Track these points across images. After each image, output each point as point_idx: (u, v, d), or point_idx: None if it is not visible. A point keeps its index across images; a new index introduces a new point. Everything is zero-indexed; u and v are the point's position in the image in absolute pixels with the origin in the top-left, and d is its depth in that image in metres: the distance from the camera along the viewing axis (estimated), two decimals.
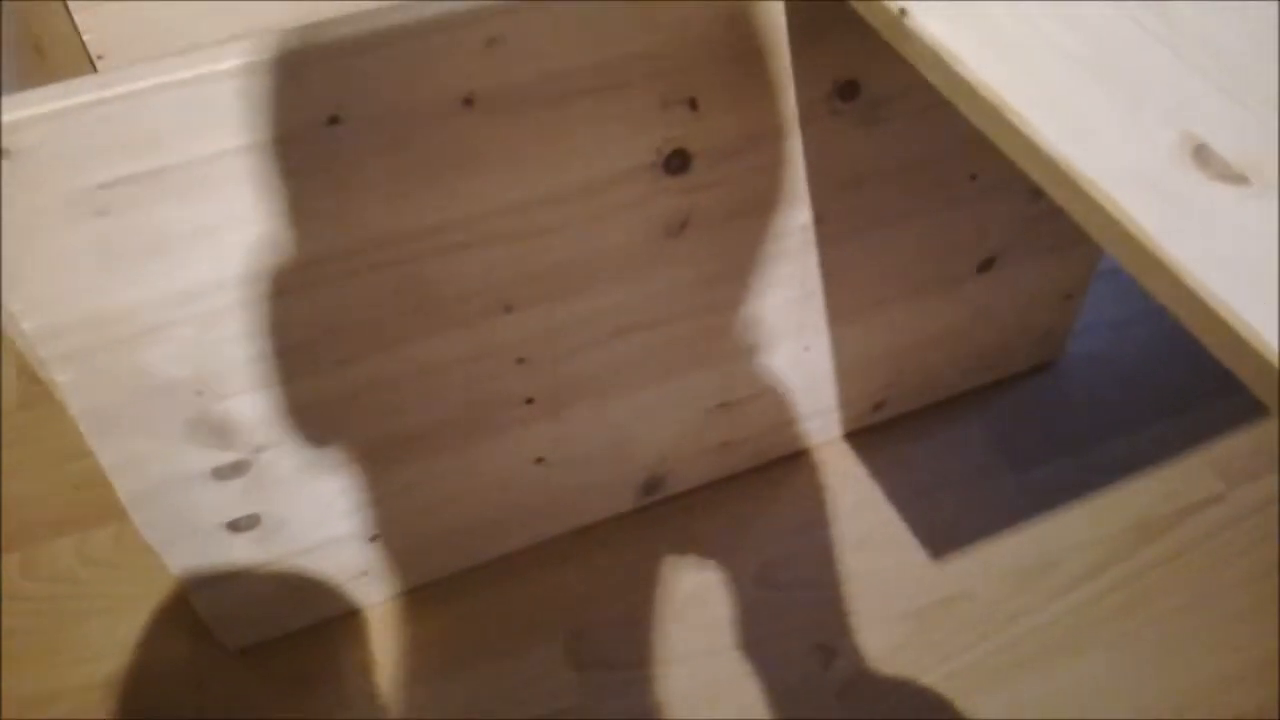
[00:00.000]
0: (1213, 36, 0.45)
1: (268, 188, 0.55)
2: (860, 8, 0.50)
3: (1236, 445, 0.96)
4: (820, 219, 0.74)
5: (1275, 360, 0.34)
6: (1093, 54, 0.44)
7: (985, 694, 0.81)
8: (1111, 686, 0.82)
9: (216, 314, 0.60)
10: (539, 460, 0.81)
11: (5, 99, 0.50)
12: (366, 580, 0.83)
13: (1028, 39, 0.45)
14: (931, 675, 0.82)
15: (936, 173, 0.75)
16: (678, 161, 0.65)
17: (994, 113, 0.43)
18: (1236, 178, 0.39)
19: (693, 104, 0.62)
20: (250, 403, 0.66)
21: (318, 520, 0.76)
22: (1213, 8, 0.46)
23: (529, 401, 0.75)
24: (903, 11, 0.47)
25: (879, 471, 0.94)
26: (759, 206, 0.71)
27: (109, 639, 0.85)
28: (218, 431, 0.66)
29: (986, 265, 0.85)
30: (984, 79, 0.43)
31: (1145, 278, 0.39)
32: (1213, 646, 0.84)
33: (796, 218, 0.73)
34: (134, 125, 0.51)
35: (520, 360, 0.72)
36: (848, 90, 0.66)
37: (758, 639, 0.85)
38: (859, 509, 0.92)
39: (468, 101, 0.55)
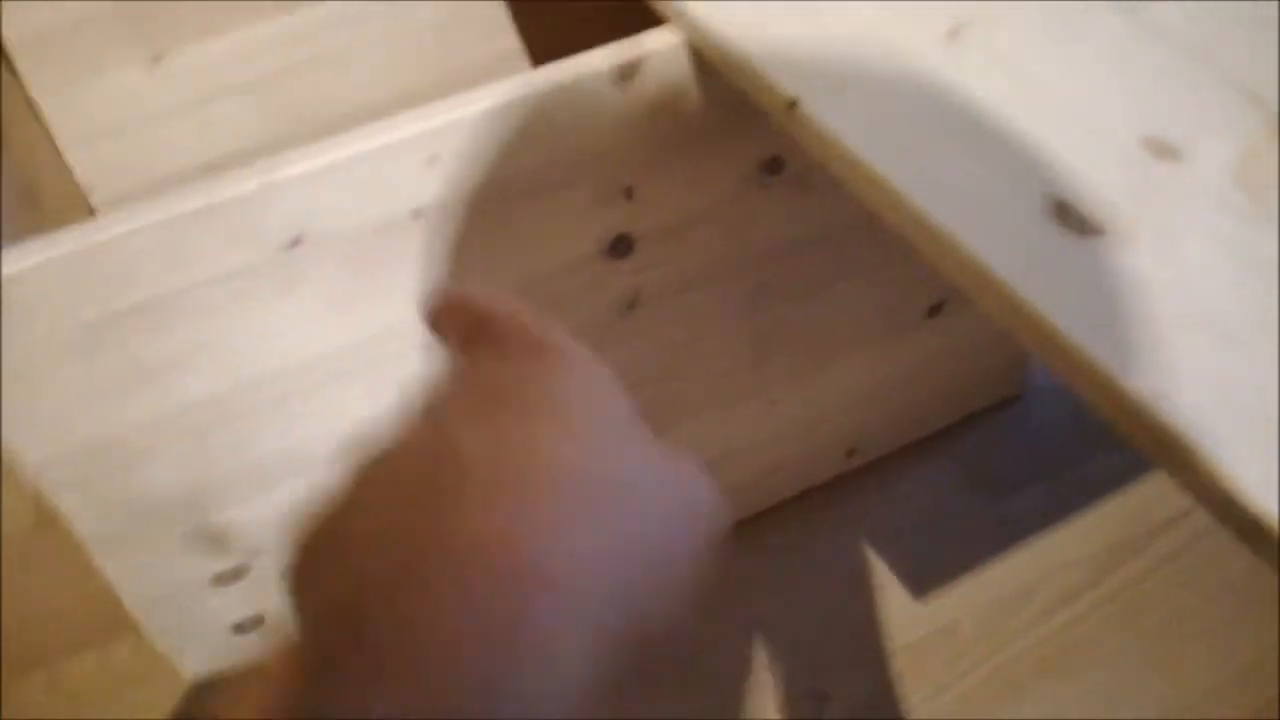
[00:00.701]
0: (1070, 98, 0.49)
1: (240, 310, 0.60)
2: (758, 99, 0.54)
3: None
4: (766, 284, 0.78)
5: (1132, 396, 0.38)
6: (965, 127, 0.49)
7: None
8: (1102, 705, 0.84)
9: (205, 429, 0.64)
10: None
11: (5, 251, 0.55)
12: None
13: (901, 120, 0.50)
14: (924, 710, 0.85)
15: (872, 229, 0.80)
16: (621, 246, 0.70)
17: (875, 187, 0.47)
18: (1095, 230, 0.44)
19: (629, 193, 0.67)
20: (245, 510, 0.70)
21: None
22: (1069, 69, 0.51)
23: None
24: (792, 104, 0.51)
25: (856, 517, 0.97)
26: (705, 278, 0.75)
27: None
28: (214, 540, 0.70)
29: (935, 310, 0.89)
30: (866, 161, 0.47)
31: (1007, 319, 0.43)
32: (1196, 657, 0.86)
33: (743, 284, 0.77)
34: (114, 266, 0.56)
35: None
36: (773, 165, 0.71)
37: (754, 691, 0.87)
38: (841, 554, 0.95)
39: (415, 215, 0.60)
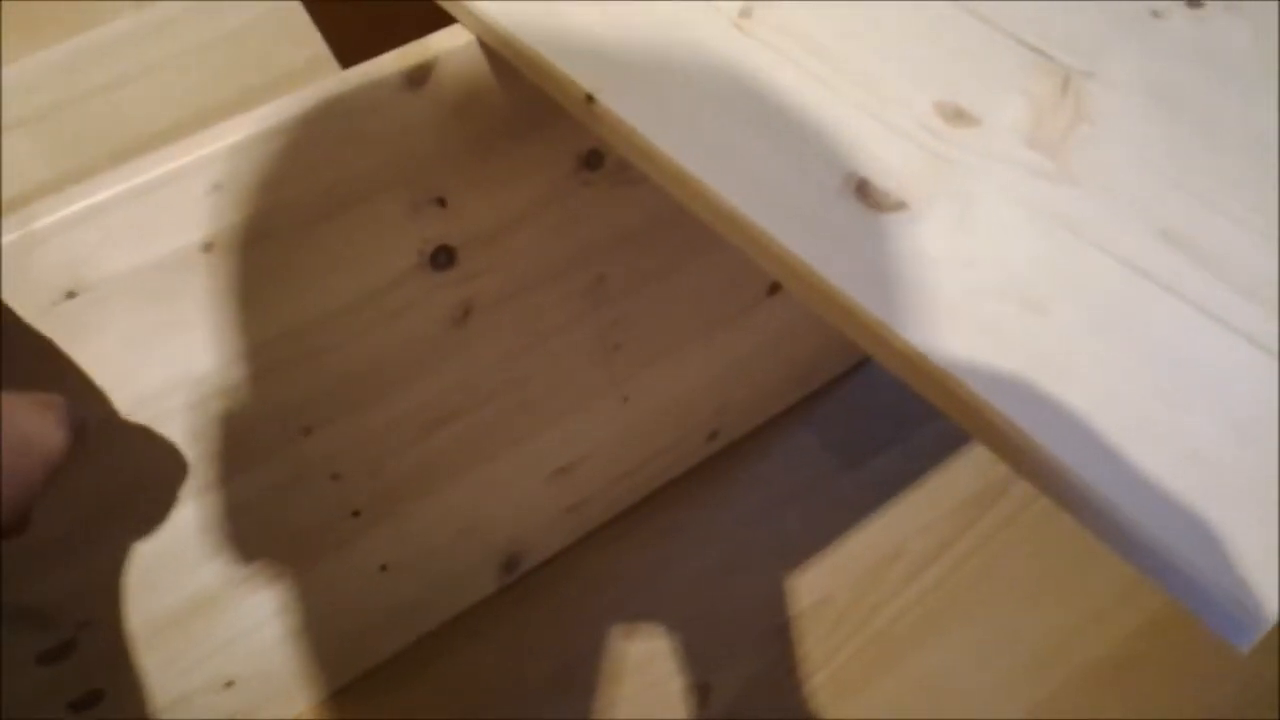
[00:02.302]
0: (864, 72, 0.49)
1: (24, 372, 0.55)
2: (557, 95, 0.52)
3: None
4: (602, 279, 0.76)
5: (923, 357, 0.37)
6: (764, 111, 0.47)
7: (866, 689, 0.84)
8: (975, 656, 0.86)
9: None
10: (383, 568, 0.81)
11: None
12: None
13: (700, 108, 0.48)
14: (807, 686, 0.85)
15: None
16: (443, 257, 0.67)
17: (678, 179, 0.45)
18: (896, 205, 0.43)
19: (441, 202, 0.64)
20: (62, 580, 0.64)
21: (164, 682, 0.74)
22: (860, 42, 0.50)
23: (355, 514, 0.76)
24: (590, 98, 0.49)
25: (726, 499, 0.97)
26: (537, 280, 0.73)
27: None
28: (32, 615, 0.64)
29: (775, 288, 0.89)
30: (665, 152, 0.46)
31: (817, 304, 0.42)
32: (1059, 597, 0.89)
33: (577, 282, 0.75)
34: None
35: (335, 476, 0.72)
36: (593, 159, 0.69)
37: (637, 692, 0.86)
38: (711, 540, 0.94)
39: (207, 248, 0.56)
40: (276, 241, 0.59)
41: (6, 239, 0.50)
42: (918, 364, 0.38)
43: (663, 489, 0.98)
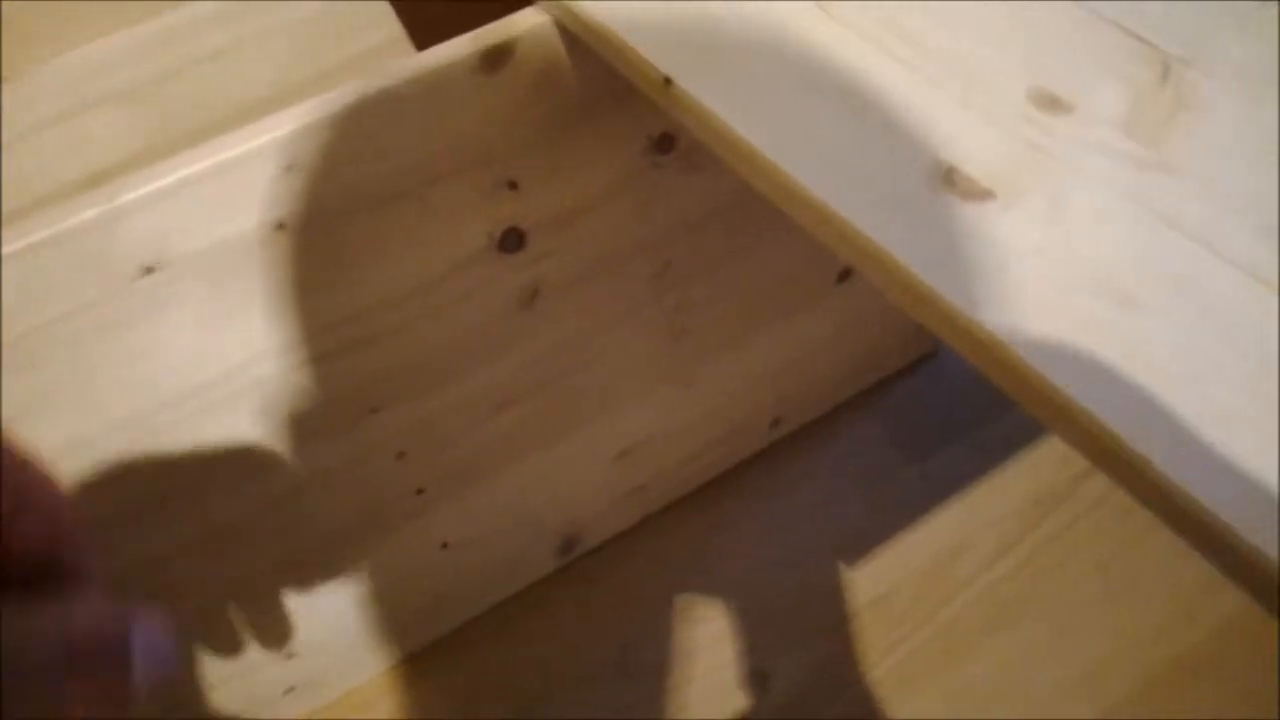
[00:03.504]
0: (954, 55, 0.47)
1: (99, 347, 0.56)
2: (634, 78, 0.51)
3: None
4: (669, 265, 0.76)
5: (1020, 360, 0.36)
6: (847, 96, 0.46)
7: (924, 686, 0.83)
8: (1041, 655, 0.84)
9: (72, 476, 0.60)
10: (444, 545, 0.81)
11: None
12: (295, 695, 0.83)
13: (780, 92, 0.47)
14: (868, 678, 0.84)
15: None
16: (513, 240, 0.66)
17: (756, 164, 0.44)
18: (985, 194, 0.41)
19: (513, 185, 0.63)
20: (120, 557, 0.65)
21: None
22: (950, 25, 0.49)
23: (420, 492, 0.76)
24: (668, 81, 0.48)
25: (786, 488, 0.96)
26: (605, 265, 0.72)
27: None
28: (105, 583, 0.66)
29: (845, 275, 0.87)
30: (744, 137, 0.45)
31: (898, 293, 0.40)
32: (1129, 598, 0.86)
33: (645, 267, 0.75)
34: None
35: (400, 455, 0.73)
36: (664, 143, 0.68)
37: (695, 677, 0.86)
38: (773, 529, 0.94)
39: (280, 227, 0.56)
40: (348, 222, 0.59)
41: (90, 214, 0.51)
42: (1001, 357, 0.37)
43: (724, 475, 0.97)
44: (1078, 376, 0.35)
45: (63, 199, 0.52)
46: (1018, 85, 0.45)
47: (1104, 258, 0.39)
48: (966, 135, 0.43)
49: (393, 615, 0.84)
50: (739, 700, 0.84)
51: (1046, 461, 0.95)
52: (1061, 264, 0.39)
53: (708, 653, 0.87)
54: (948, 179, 0.42)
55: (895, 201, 0.41)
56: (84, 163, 1.00)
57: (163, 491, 0.63)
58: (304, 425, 0.66)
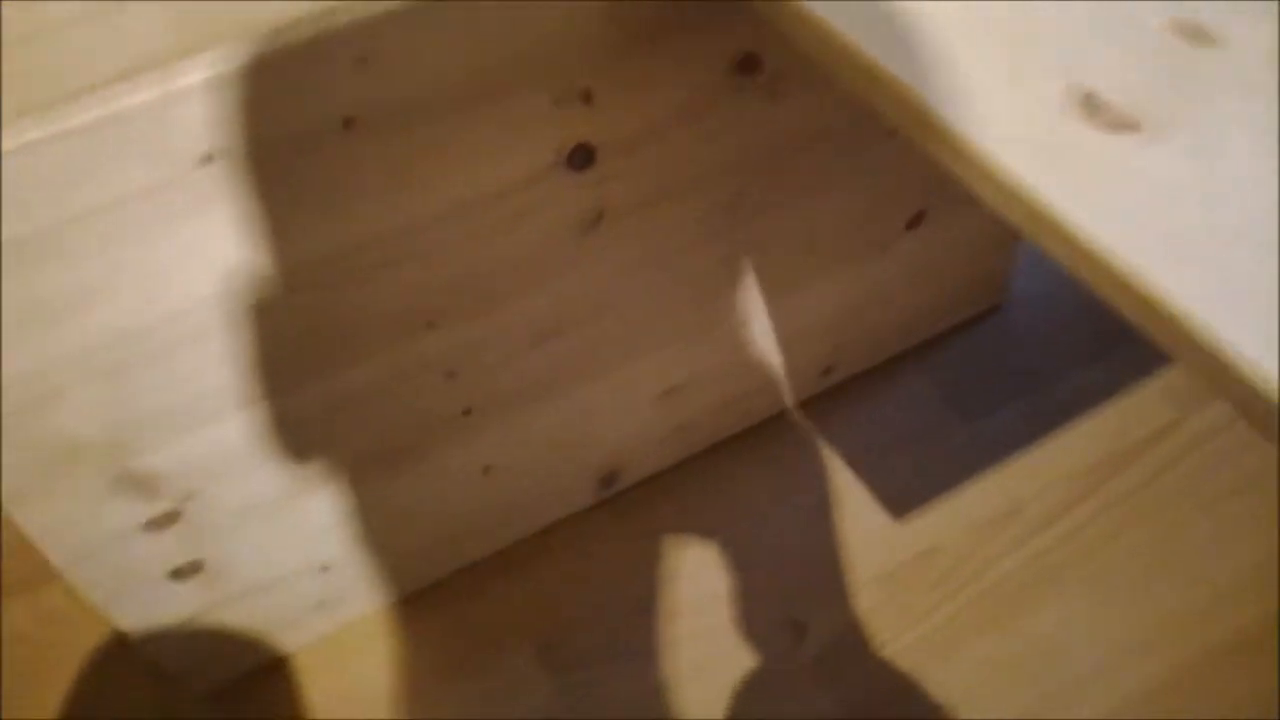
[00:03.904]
0: None
1: (146, 239, 0.53)
2: None
3: (1186, 373, 0.95)
4: (739, 196, 0.72)
5: (1172, 308, 0.33)
6: (973, 13, 0.43)
7: (957, 651, 0.81)
8: (1086, 626, 0.82)
9: (120, 368, 0.58)
10: (486, 469, 0.79)
11: None
12: (325, 610, 0.82)
13: (906, 9, 0.43)
14: (906, 637, 0.82)
15: (853, 135, 0.74)
16: (581, 157, 0.63)
17: (878, 83, 0.41)
18: (1128, 125, 0.38)
19: (587, 97, 0.60)
20: (173, 451, 0.64)
21: (264, 558, 0.74)
22: None
23: (467, 413, 0.74)
24: None
25: (834, 437, 0.93)
26: (673, 191, 0.69)
27: (73, 694, 0.84)
28: (142, 484, 0.64)
29: (916, 220, 0.84)
30: (865, 53, 0.41)
31: (1043, 240, 0.37)
32: (1181, 575, 0.84)
33: (714, 197, 0.71)
34: (8, 187, 0.49)
35: (450, 374, 0.70)
36: (748, 65, 0.64)
37: (729, 621, 0.84)
38: (818, 477, 0.91)
39: (348, 124, 0.53)
40: (416, 125, 0.56)
41: (143, 96, 0.48)
42: (1148, 302, 0.33)
43: (771, 420, 0.95)
44: (1214, 316, 0.32)
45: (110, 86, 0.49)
46: (1163, 14, 0.41)
47: (1250, 196, 0.35)
48: (1109, 63, 0.40)
49: (429, 537, 0.82)
50: (773, 648, 0.82)
51: (1106, 429, 0.92)
52: (1207, 202, 0.35)
53: (743, 599, 0.85)
54: (1086, 106, 0.39)
55: (1031, 129, 0.38)
56: (121, 57, 0.97)
57: (216, 387, 0.62)
58: (359, 334, 0.64)
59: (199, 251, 0.55)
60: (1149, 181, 0.36)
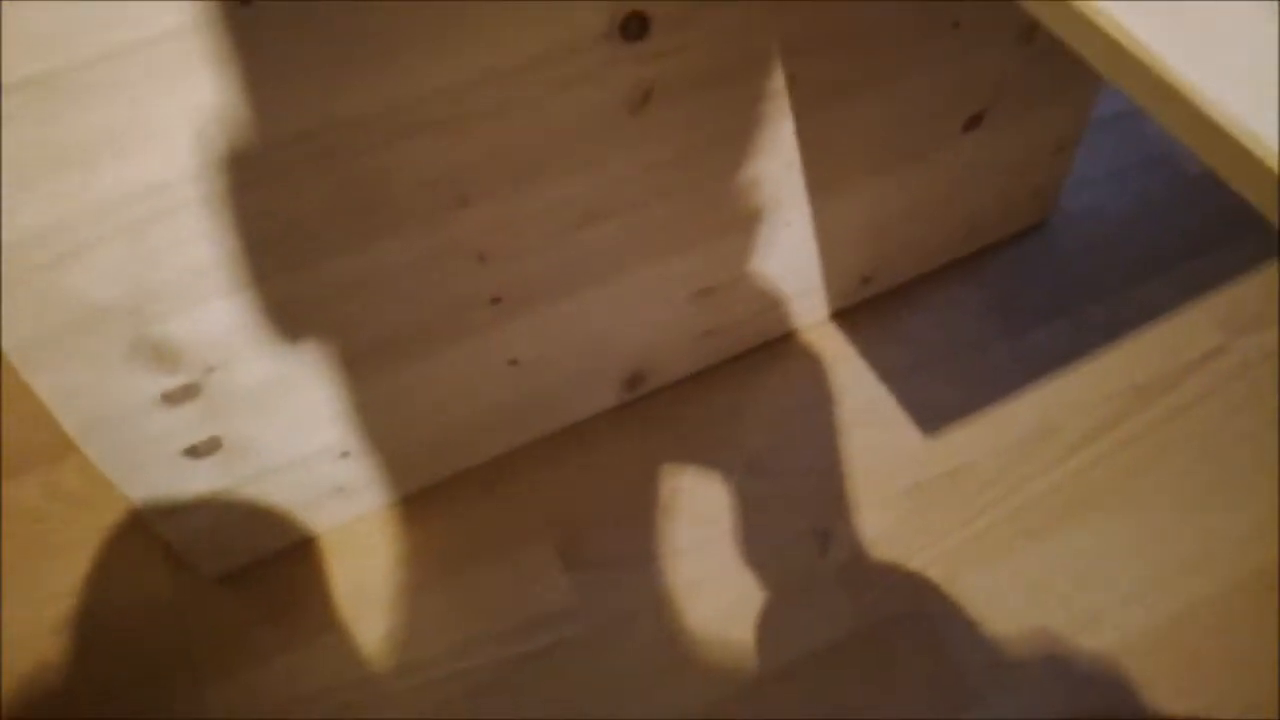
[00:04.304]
0: None
1: (173, 87, 0.50)
2: None
3: (1237, 296, 0.92)
4: (795, 82, 0.68)
5: None
6: None
7: (986, 567, 0.80)
8: (1117, 551, 0.80)
9: (144, 225, 0.55)
10: (513, 362, 0.77)
11: None
12: (343, 497, 0.80)
13: None
14: (931, 551, 0.80)
15: (916, 24, 0.70)
16: (635, 26, 0.59)
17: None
18: None
19: None
20: (193, 320, 0.61)
21: (283, 439, 0.72)
22: None
23: (496, 301, 0.71)
24: None
25: (869, 349, 0.91)
26: (728, 72, 0.65)
27: (85, 574, 0.83)
28: (161, 354, 0.62)
29: (974, 121, 0.80)
30: None
31: (1156, 107, 0.34)
32: (1218, 504, 0.82)
33: (769, 82, 0.67)
34: (24, 25, 0.45)
35: (482, 257, 0.67)
36: None
37: (752, 528, 0.82)
38: (850, 389, 0.89)
39: None
40: None
41: None
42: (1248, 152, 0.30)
43: (804, 329, 0.92)
44: None
45: None
46: None
47: None
48: None
49: (452, 428, 0.80)
50: (796, 557, 0.80)
51: (1150, 351, 0.89)
52: None
53: (767, 506, 0.83)
54: None
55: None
56: None
57: (239, 255, 0.59)
58: (392, 205, 0.61)
59: (229, 104, 0.51)
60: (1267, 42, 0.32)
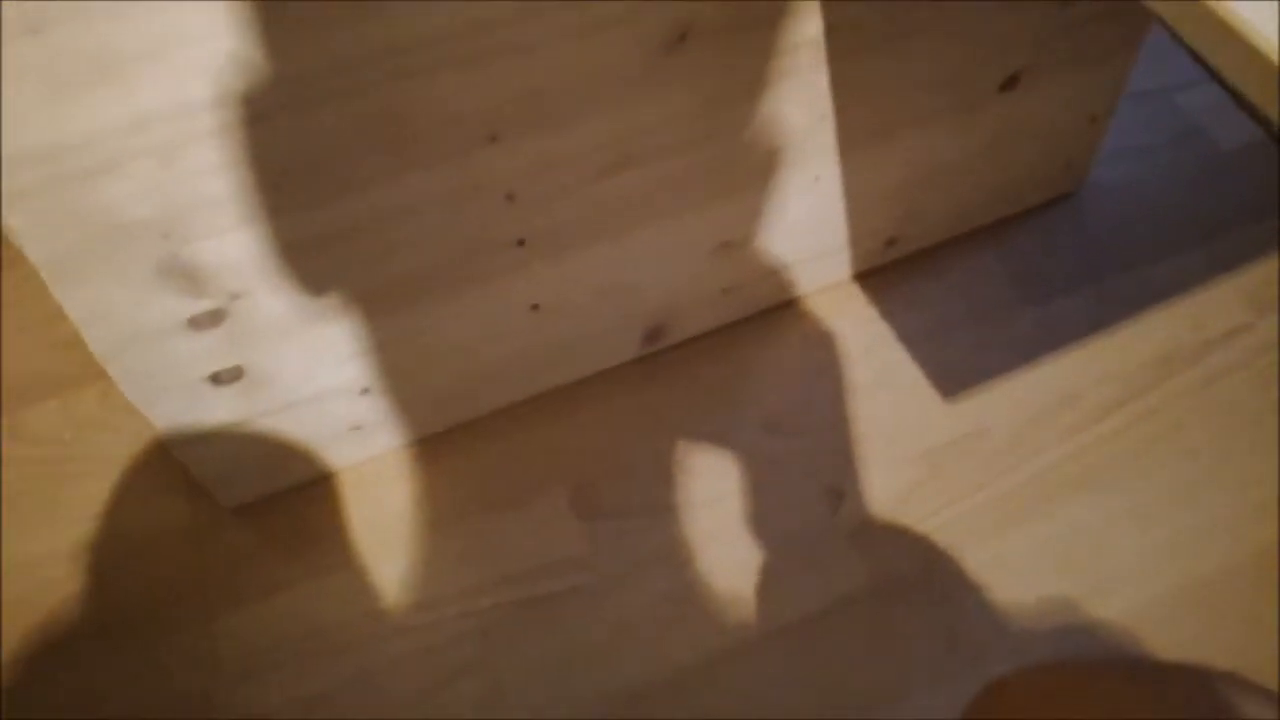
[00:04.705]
0: None
1: (216, 5, 0.50)
2: None
3: (1266, 273, 0.92)
4: (832, 30, 0.68)
5: None
6: None
7: (998, 533, 0.80)
8: (1131, 521, 0.80)
9: (177, 145, 0.55)
10: (535, 307, 0.77)
11: None
12: (361, 435, 0.81)
13: None
14: (944, 515, 0.80)
15: None
16: None
17: None
18: None
19: None
20: (222, 245, 0.61)
21: (305, 372, 0.72)
22: None
23: (520, 243, 0.71)
24: None
25: (890, 311, 0.90)
26: (765, 16, 0.65)
27: (102, 500, 0.83)
28: (189, 277, 0.62)
29: (1010, 83, 0.79)
30: None
31: (1213, 49, 0.34)
32: (1237, 481, 0.82)
33: (806, 29, 0.67)
34: None
35: (509, 197, 0.67)
36: None
37: (764, 485, 0.82)
38: (869, 351, 0.89)
39: None
40: None
41: None
42: None
43: (825, 289, 0.92)
44: None
45: None
46: None
47: None
48: None
49: (471, 372, 0.81)
50: (808, 514, 0.81)
51: (1174, 326, 0.88)
52: None
53: (781, 464, 0.83)
54: None
55: None
56: None
57: (270, 181, 0.59)
58: (423, 139, 0.61)
59: (263, 29, 0.51)
60: None
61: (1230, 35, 0.32)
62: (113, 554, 0.81)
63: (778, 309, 0.91)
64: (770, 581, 0.78)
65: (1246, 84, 0.32)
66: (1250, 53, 0.31)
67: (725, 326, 0.91)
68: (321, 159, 0.59)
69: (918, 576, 0.78)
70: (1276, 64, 0.29)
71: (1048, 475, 0.82)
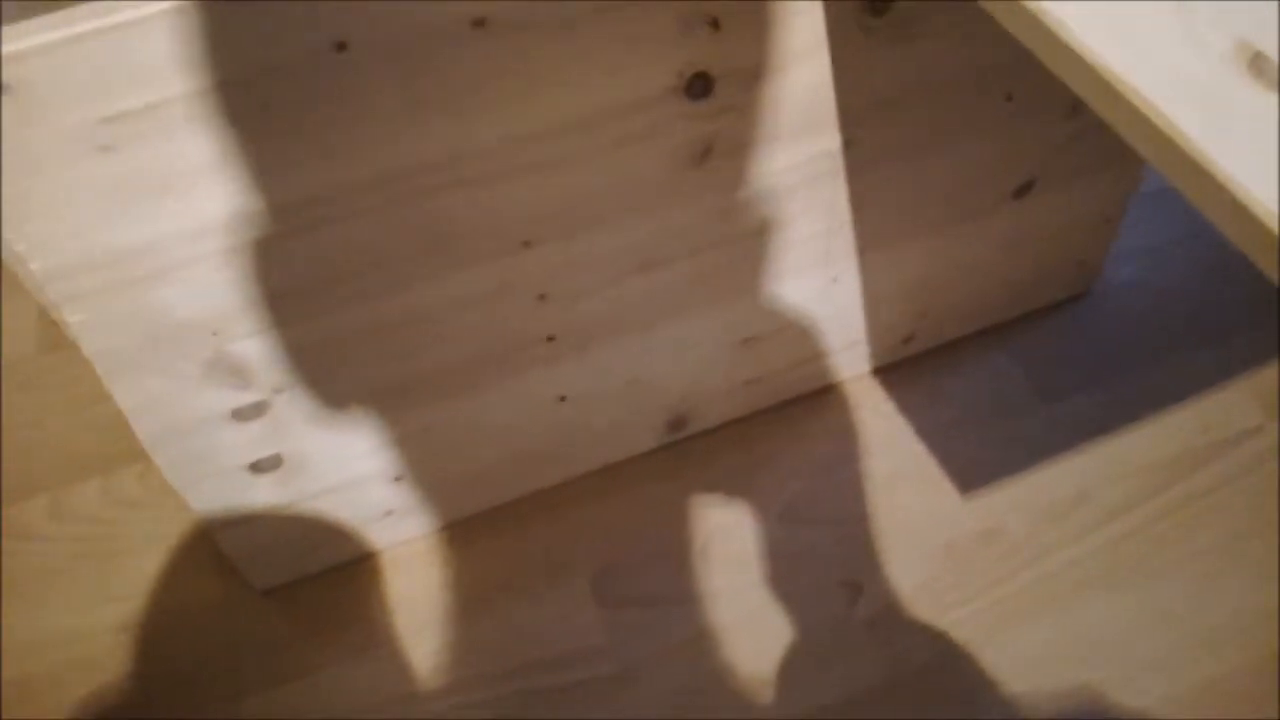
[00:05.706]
0: None
1: (275, 120, 0.54)
2: None
3: (1275, 375, 0.93)
4: (850, 144, 0.71)
5: None
6: None
7: (1014, 630, 0.80)
8: (1144, 623, 0.81)
9: (229, 252, 0.59)
10: (561, 399, 0.80)
11: (5, 29, 0.48)
12: (392, 520, 0.83)
13: None
14: (960, 611, 0.81)
15: (971, 93, 0.72)
16: (700, 85, 0.63)
17: (1037, 25, 0.40)
18: None
19: (715, 23, 0.59)
20: (267, 343, 0.64)
21: (340, 461, 0.75)
22: None
23: (550, 339, 0.74)
24: None
25: (908, 406, 0.92)
26: (785, 131, 0.68)
27: (137, 579, 0.86)
28: (235, 372, 0.65)
29: (1023, 190, 0.82)
30: None
31: (1198, 197, 0.36)
32: (1250, 583, 0.82)
33: (825, 143, 0.70)
34: (135, 56, 0.49)
35: (541, 297, 0.70)
36: (880, 4, 0.63)
37: (783, 576, 0.84)
38: (887, 445, 0.90)
39: (478, 23, 0.53)
40: (546, 29, 0.55)
41: None
42: None
43: (844, 383, 0.94)
44: None
45: None
46: None
47: None
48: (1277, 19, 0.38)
49: (498, 460, 0.83)
50: (826, 607, 0.82)
51: (1187, 426, 0.90)
52: None
53: (799, 556, 0.85)
54: (1255, 65, 0.37)
55: (1191, 81, 0.37)
56: None
57: (318, 284, 0.62)
58: (460, 244, 0.64)
59: (317, 141, 0.55)
60: None
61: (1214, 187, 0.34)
62: (146, 632, 0.83)
63: (798, 401, 0.94)
64: (788, 673, 0.79)
65: (1242, 245, 0.34)
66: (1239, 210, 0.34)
67: (746, 417, 0.93)
68: (362, 264, 0.63)
69: (934, 669, 0.78)
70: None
71: (1063, 573, 0.83)
